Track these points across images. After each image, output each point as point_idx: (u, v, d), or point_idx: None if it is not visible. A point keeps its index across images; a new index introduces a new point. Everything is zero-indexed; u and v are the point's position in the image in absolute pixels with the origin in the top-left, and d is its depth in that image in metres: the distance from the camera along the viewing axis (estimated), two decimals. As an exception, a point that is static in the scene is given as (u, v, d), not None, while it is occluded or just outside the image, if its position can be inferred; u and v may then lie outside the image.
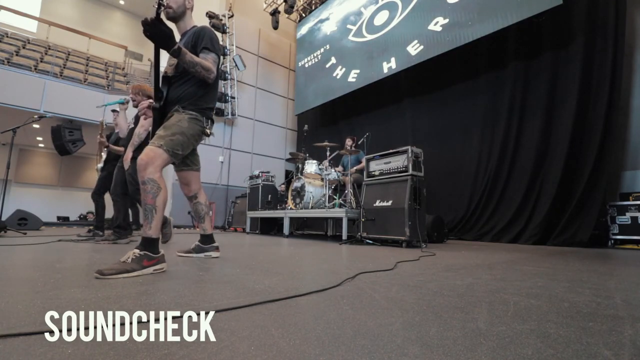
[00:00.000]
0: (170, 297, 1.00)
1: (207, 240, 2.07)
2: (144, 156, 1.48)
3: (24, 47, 9.38)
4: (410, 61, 5.90)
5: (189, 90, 1.71)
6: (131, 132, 3.24)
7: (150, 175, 1.47)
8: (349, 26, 7.54)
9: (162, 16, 1.47)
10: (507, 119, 4.92)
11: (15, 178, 10.44)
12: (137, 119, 3.24)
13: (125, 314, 0.80)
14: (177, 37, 1.73)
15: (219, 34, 8.55)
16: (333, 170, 4.89)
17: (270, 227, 5.99)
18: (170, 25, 1.53)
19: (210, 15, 8.30)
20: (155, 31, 1.41)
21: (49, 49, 10.02)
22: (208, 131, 1.78)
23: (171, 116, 1.69)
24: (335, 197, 4.67)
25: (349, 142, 5.16)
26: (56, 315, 0.77)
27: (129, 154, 3.06)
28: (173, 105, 1.70)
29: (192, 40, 1.73)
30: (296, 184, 5.08)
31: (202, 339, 0.66)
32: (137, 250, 1.40)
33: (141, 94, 3.22)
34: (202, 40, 1.70)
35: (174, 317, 0.79)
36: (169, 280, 1.29)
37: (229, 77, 8.55)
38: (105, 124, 4.61)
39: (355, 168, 4.90)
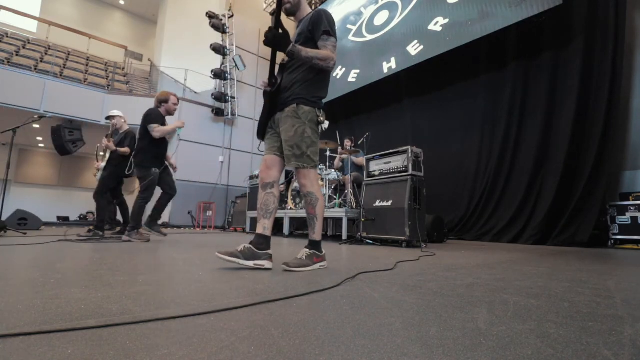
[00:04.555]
0: (170, 297, 1.00)
1: (264, 242, 1.67)
2: (302, 178, 1.73)
3: (24, 47, 9.38)
4: (410, 61, 5.90)
5: (301, 75, 1.72)
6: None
7: (310, 188, 1.72)
8: (349, 26, 7.54)
9: (282, 15, 1.66)
10: (507, 119, 4.93)
11: (15, 178, 10.44)
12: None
13: (126, 314, 0.80)
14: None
15: (218, 34, 8.55)
16: (333, 170, 4.89)
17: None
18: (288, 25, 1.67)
19: (210, 15, 8.30)
20: (270, 38, 1.56)
21: (49, 49, 10.03)
22: (323, 120, 1.77)
23: (289, 116, 1.69)
24: (335, 197, 4.67)
25: (347, 142, 5.17)
26: (56, 315, 0.78)
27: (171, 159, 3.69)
28: (286, 92, 1.72)
29: (309, 25, 1.72)
30: (296, 184, 5.08)
31: (202, 339, 0.66)
32: (307, 250, 1.68)
33: None
34: (320, 24, 1.69)
35: (174, 317, 0.79)
36: (168, 280, 1.29)
37: (229, 77, 8.54)
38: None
39: (353, 160, 4.94)
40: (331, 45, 1.68)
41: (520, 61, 4.90)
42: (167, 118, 3.64)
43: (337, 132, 5.23)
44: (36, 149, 11.13)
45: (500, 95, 5.08)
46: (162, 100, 3.49)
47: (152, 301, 0.94)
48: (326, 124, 1.80)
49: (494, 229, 4.69)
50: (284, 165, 1.79)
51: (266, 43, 1.58)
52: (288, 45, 1.57)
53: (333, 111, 8.46)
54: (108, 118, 4.32)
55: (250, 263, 1.60)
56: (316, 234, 1.72)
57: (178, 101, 3.64)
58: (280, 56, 1.68)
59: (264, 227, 1.69)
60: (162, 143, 3.51)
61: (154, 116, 3.41)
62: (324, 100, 1.82)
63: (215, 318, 0.80)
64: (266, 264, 1.63)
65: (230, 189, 8.59)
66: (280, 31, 1.56)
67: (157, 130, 3.35)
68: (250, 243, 1.64)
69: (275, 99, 1.73)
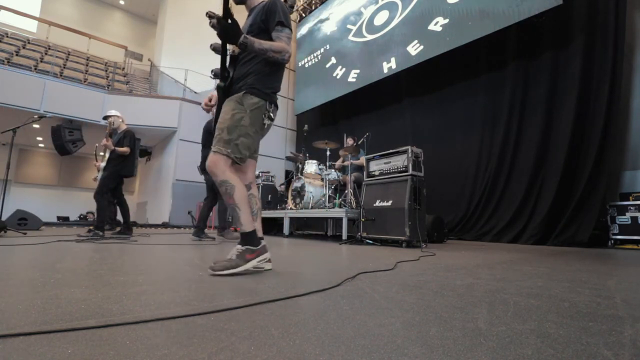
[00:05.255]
0: (170, 297, 1.00)
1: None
2: (210, 163, 1.51)
3: (24, 47, 9.38)
4: (410, 61, 5.90)
5: (254, 67, 1.61)
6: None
7: (222, 176, 1.49)
8: (349, 26, 7.54)
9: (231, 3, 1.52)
10: (507, 119, 4.93)
11: (15, 178, 10.44)
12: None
13: (126, 314, 0.80)
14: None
15: (218, 34, 8.55)
16: (333, 170, 4.89)
17: (270, 227, 5.99)
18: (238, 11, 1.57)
19: (210, 15, 8.26)
20: (219, 29, 1.46)
21: (49, 49, 10.03)
22: (272, 115, 1.65)
23: (232, 100, 1.58)
24: (335, 197, 4.67)
25: (349, 141, 5.17)
26: (56, 315, 0.78)
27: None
28: (238, 83, 1.62)
29: (261, 15, 1.63)
30: (296, 184, 5.08)
31: (202, 339, 0.66)
32: (239, 246, 1.47)
33: None
34: (274, 15, 1.60)
35: (174, 317, 0.79)
36: (168, 280, 1.29)
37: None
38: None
39: (352, 161, 4.92)
40: (285, 37, 1.59)
41: (520, 61, 4.90)
42: None
43: (345, 135, 5.23)
44: (36, 149, 11.13)
45: (500, 95, 5.08)
46: None
47: (152, 301, 0.94)
48: (268, 123, 1.65)
49: (494, 229, 4.69)
50: (255, 163, 1.75)
51: (217, 34, 1.48)
52: (239, 36, 1.47)
53: (333, 111, 8.47)
54: (105, 118, 4.32)
55: (249, 266, 1.59)
56: (244, 224, 1.51)
57: None
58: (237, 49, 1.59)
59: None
60: None
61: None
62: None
63: (215, 318, 0.80)
64: (265, 265, 1.62)
65: (230, 189, 8.59)
66: (230, 21, 1.46)
67: None
68: None
69: (228, 93, 1.62)
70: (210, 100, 1.80)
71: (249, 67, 1.62)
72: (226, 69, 1.61)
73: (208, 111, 1.81)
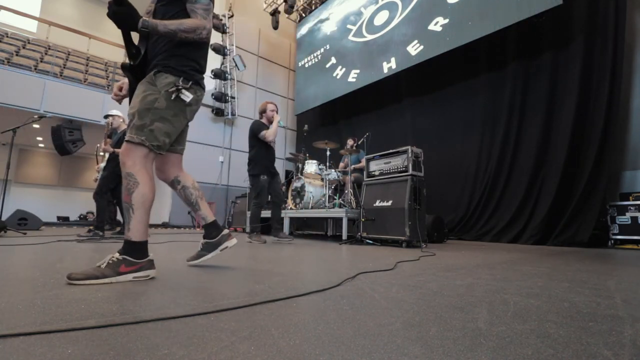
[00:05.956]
0: (170, 297, 1.01)
1: (213, 230, 1.65)
2: (122, 152, 1.32)
3: (24, 47, 9.38)
4: (410, 61, 5.90)
5: (167, 45, 1.39)
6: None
7: (130, 168, 1.29)
8: (349, 26, 7.54)
9: None
10: (507, 119, 4.93)
11: (15, 178, 10.44)
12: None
13: (126, 314, 0.80)
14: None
15: (218, 34, 8.56)
16: (333, 170, 4.89)
17: (271, 227, 5.98)
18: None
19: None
20: (110, 16, 1.24)
21: (49, 49, 10.02)
22: (188, 94, 1.39)
23: (143, 82, 1.38)
24: (335, 197, 4.67)
25: (350, 142, 5.17)
26: (56, 315, 0.78)
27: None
28: (150, 65, 1.41)
29: None
30: (296, 184, 5.08)
31: (202, 339, 0.66)
32: (117, 254, 1.26)
33: None
34: None
35: (174, 317, 0.79)
36: (168, 280, 1.29)
37: (229, 77, 8.55)
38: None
39: (353, 166, 4.91)
40: (201, 9, 1.36)
41: (520, 61, 4.90)
42: None
43: (345, 138, 5.23)
44: (36, 149, 11.13)
45: (500, 95, 5.08)
46: (262, 111, 3.79)
47: (152, 301, 0.95)
48: (190, 99, 1.39)
49: (494, 229, 4.69)
50: (179, 158, 1.61)
51: (109, 17, 1.27)
52: (135, 21, 1.26)
53: (333, 111, 8.48)
54: (106, 117, 4.32)
55: (216, 251, 1.64)
56: (132, 231, 1.28)
57: (275, 107, 3.87)
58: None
59: (203, 217, 1.68)
60: (268, 151, 3.75)
61: (257, 125, 3.70)
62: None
63: (215, 318, 0.80)
64: (229, 243, 1.67)
65: (230, 189, 8.59)
66: (122, 5, 1.25)
67: (268, 135, 3.61)
68: (204, 238, 1.67)
69: (142, 74, 1.40)
70: (120, 89, 1.54)
71: (162, 44, 1.40)
72: (134, 45, 1.37)
73: (119, 102, 1.57)
